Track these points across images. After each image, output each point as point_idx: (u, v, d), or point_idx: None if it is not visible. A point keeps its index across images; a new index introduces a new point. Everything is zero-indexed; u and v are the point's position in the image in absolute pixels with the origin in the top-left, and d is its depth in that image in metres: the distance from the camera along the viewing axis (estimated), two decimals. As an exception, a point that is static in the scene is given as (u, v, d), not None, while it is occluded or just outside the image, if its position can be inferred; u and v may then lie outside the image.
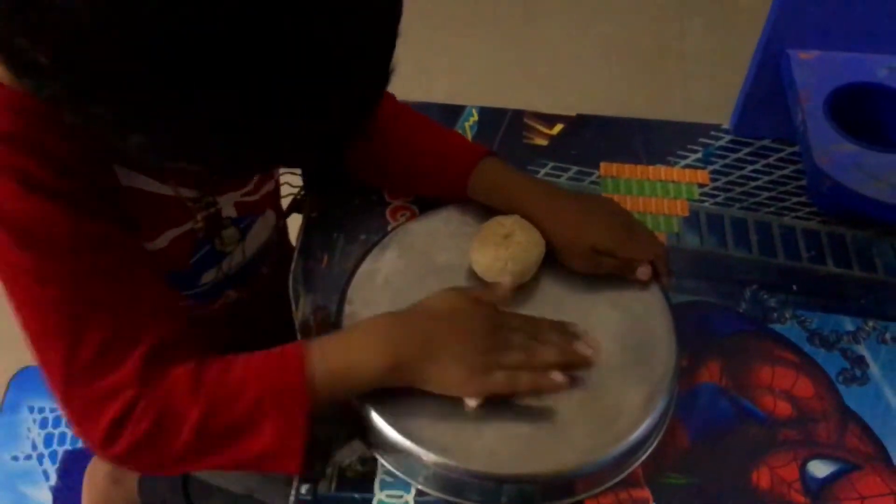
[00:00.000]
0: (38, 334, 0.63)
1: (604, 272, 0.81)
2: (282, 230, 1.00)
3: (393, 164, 0.89)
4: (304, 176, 0.97)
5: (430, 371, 0.69)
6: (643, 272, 0.81)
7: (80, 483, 1.32)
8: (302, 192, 0.96)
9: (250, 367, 0.66)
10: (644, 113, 1.07)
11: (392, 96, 0.90)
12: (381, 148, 0.88)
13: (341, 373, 0.68)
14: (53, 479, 1.42)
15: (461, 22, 2.33)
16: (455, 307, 0.72)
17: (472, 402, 0.70)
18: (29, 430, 1.42)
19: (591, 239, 0.80)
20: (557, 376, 0.70)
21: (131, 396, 0.62)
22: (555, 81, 2.17)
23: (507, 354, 0.70)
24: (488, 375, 0.69)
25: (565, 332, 0.74)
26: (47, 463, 1.41)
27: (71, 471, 1.42)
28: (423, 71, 2.02)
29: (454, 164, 0.86)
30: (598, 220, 0.82)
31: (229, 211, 0.81)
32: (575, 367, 0.72)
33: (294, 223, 1.01)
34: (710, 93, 2.13)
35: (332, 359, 0.68)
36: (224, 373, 0.66)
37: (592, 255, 0.80)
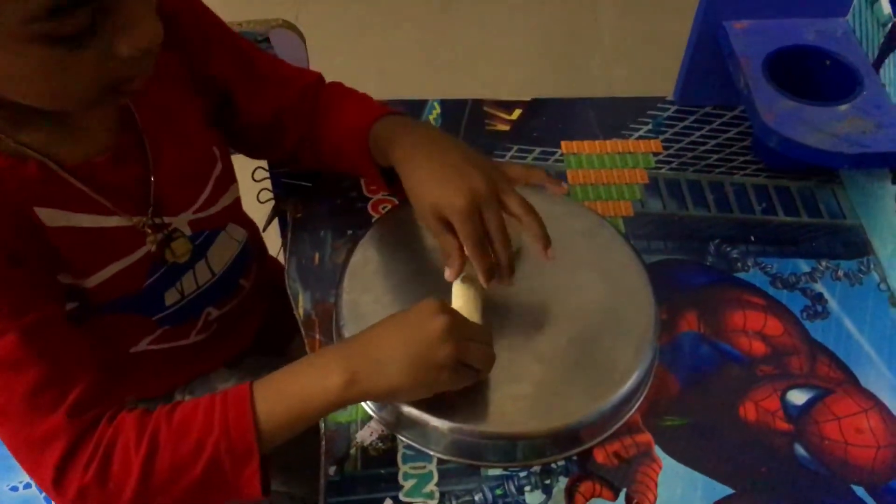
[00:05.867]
0: None
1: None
2: (259, 241, 1.01)
3: (319, 142, 0.88)
4: (278, 181, 0.99)
5: (386, 383, 0.68)
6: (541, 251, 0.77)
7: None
8: (281, 198, 0.98)
9: (198, 408, 0.66)
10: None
11: (339, 84, 0.91)
12: (315, 126, 0.88)
13: (294, 399, 0.67)
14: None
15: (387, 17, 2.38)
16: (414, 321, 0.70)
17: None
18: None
19: (431, 199, 0.75)
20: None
21: (68, 441, 0.63)
22: (493, 73, 2.23)
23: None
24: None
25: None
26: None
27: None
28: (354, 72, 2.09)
29: (355, 129, 0.84)
30: (447, 180, 0.75)
31: (184, 230, 0.81)
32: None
33: (270, 241, 1.04)
34: (628, 74, 2.22)
35: (281, 387, 0.67)
36: (170, 414, 0.66)
37: (432, 220, 0.76)
